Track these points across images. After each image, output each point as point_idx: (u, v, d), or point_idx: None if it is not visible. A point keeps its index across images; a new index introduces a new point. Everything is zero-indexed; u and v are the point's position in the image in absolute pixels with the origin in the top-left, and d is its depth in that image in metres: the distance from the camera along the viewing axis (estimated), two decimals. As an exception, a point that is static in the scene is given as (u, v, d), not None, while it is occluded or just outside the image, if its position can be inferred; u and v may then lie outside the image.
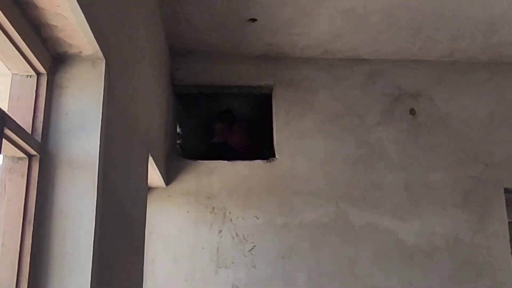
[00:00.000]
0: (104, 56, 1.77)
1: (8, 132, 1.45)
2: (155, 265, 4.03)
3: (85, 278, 1.56)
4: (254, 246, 4.09)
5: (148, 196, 3.77)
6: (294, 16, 3.84)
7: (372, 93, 4.51)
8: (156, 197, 4.14)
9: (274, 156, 4.35)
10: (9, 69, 1.68)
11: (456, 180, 4.32)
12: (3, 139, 1.45)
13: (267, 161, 4.30)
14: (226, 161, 4.31)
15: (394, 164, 4.35)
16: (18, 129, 1.51)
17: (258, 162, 4.30)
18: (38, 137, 1.67)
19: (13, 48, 1.52)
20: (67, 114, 1.70)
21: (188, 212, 4.14)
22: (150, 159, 3.19)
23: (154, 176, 3.72)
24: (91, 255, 1.58)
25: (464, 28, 4.03)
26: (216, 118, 4.98)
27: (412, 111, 4.47)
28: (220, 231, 4.11)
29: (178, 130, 5.09)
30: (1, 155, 1.61)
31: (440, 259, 4.15)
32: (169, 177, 4.20)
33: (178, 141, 5.01)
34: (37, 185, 1.61)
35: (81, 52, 1.73)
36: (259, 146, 4.94)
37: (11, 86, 1.68)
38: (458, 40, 4.22)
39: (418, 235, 4.18)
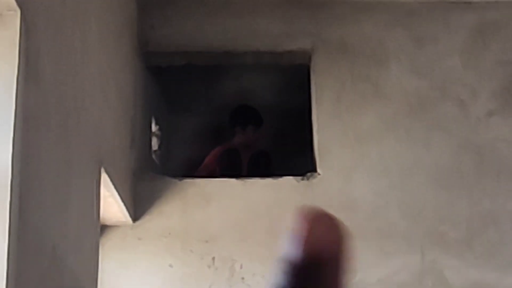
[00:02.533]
0: (19, 5, 1.76)
1: None
2: None
3: None
4: (283, 323, 4.08)
5: (102, 240, 3.72)
6: None
7: (483, 63, 4.47)
8: (116, 241, 4.11)
9: (314, 170, 4.32)
10: None
11: None
12: None
13: (303, 179, 4.28)
14: (232, 179, 4.29)
15: (521, 183, 4.28)
16: None
17: (289, 179, 4.26)
18: None
19: None
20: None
21: (171, 266, 4.11)
22: (105, 179, 3.17)
23: (113, 206, 3.70)
24: None
25: None
26: (244, 119, 5.03)
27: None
28: (226, 299, 4.07)
29: (155, 129, 5.07)
30: None
31: None
32: (138, 208, 4.17)
33: (154, 148, 4.99)
34: None
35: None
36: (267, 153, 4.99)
37: None
38: None
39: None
